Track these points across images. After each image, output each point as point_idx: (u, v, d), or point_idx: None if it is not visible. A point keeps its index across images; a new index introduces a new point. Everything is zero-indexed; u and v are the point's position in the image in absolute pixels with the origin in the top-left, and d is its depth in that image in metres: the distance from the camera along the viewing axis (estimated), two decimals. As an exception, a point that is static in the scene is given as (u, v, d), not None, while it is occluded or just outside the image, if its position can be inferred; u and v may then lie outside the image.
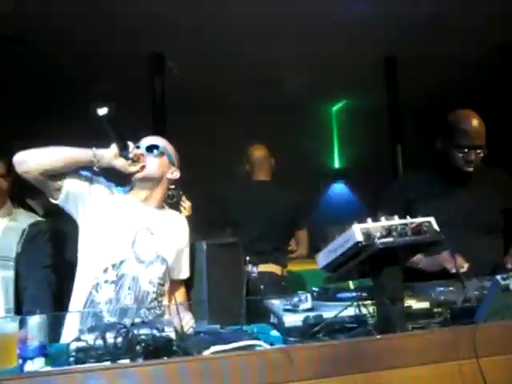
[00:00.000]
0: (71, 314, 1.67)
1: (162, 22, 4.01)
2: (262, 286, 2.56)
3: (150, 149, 1.76)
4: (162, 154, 1.78)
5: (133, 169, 1.69)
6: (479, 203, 2.01)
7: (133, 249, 1.68)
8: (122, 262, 1.66)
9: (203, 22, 4.06)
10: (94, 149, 1.62)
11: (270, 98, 5.54)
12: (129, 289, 1.66)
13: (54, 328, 1.53)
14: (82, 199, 1.66)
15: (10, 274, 1.96)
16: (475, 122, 1.96)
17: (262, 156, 2.99)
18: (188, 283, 1.94)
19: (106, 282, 1.65)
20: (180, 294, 1.87)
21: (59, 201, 1.66)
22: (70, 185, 1.64)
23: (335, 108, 6.66)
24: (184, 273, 1.88)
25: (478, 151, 1.97)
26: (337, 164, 6.75)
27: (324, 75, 5.16)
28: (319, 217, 6.02)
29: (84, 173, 1.70)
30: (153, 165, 1.75)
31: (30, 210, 2.48)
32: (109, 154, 1.63)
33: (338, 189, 6.69)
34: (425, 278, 1.75)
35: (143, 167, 1.71)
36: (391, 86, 5.16)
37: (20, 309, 1.93)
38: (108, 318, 1.59)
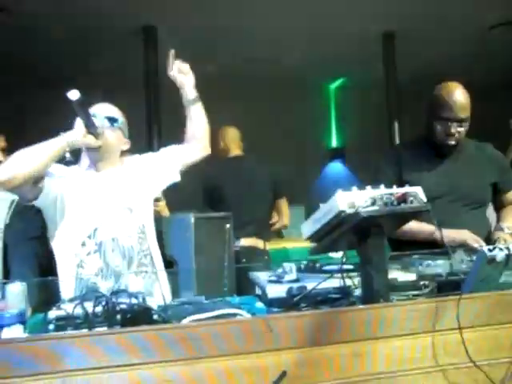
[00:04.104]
0: (65, 290, 1.66)
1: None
2: (243, 260, 2.56)
3: (109, 120, 1.75)
4: (120, 127, 1.79)
5: (99, 143, 1.69)
6: (467, 177, 1.98)
7: (98, 213, 1.69)
8: (95, 230, 1.68)
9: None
10: (63, 136, 1.61)
11: (268, 76, 5.46)
12: (112, 251, 1.68)
13: (40, 297, 1.52)
14: (55, 197, 1.68)
15: (0, 244, 1.95)
16: (458, 95, 1.91)
17: (234, 133, 3.10)
18: (175, 258, 1.93)
19: (88, 254, 1.66)
20: None
21: (37, 202, 1.66)
22: (47, 186, 1.65)
23: (333, 86, 6.58)
24: (170, 178, 1.87)
25: (460, 124, 1.92)
26: (334, 142, 6.70)
27: (322, 53, 5.07)
28: (316, 195, 6.01)
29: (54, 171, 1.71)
30: (111, 138, 1.75)
31: None
32: (79, 135, 1.64)
33: (336, 168, 6.65)
34: (413, 248, 1.72)
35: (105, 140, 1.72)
36: (389, 63, 5.08)
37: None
38: (104, 285, 1.60)
